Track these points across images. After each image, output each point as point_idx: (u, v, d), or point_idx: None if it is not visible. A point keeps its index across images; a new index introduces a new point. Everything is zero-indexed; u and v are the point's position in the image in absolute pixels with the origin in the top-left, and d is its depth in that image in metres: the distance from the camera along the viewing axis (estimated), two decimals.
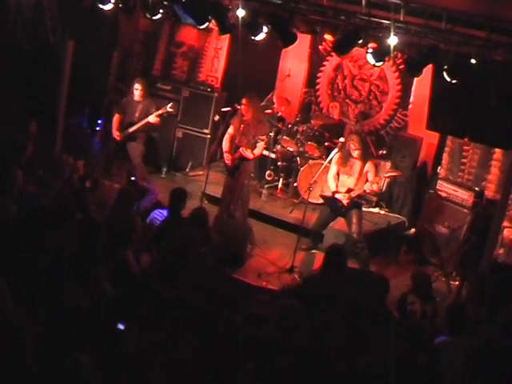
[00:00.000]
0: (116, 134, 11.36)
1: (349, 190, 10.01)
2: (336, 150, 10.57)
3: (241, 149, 10.36)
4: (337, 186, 10.14)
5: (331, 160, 10.52)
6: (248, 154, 10.38)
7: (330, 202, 10.22)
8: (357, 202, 10.11)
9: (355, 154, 10.00)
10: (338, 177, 10.21)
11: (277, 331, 5.84)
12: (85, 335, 5.47)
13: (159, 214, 8.70)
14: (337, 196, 10.09)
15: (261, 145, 10.41)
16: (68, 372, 4.66)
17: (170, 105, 11.20)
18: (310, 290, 7.49)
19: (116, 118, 11.44)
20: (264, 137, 10.43)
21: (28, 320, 5.21)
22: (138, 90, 11.24)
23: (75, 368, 4.65)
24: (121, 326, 5.16)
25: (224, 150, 10.64)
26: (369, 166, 10.04)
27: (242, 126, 10.42)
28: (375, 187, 9.99)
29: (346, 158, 10.13)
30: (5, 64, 11.58)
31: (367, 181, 9.93)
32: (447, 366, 6.14)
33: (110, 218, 8.21)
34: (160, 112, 11.14)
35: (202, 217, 8.42)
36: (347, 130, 12.52)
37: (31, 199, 8.17)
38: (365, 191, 10.05)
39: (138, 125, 11.22)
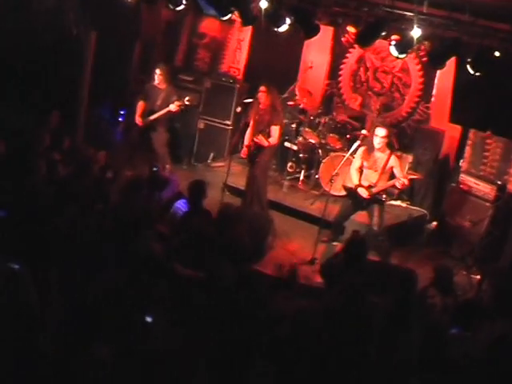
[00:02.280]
0: (138, 119, 11.48)
1: (370, 186, 9.96)
2: (358, 142, 10.53)
3: (255, 138, 10.38)
4: (359, 180, 10.11)
5: (353, 152, 10.47)
6: (262, 140, 10.36)
7: (352, 194, 10.20)
8: (378, 197, 10.06)
9: (379, 144, 9.94)
10: (362, 170, 10.17)
11: (291, 331, 5.80)
12: (108, 326, 5.49)
13: (182, 205, 8.69)
14: (358, 190, 10.05)
15: (275, 133, 10.37)
16: (86, 362, 4.68)
17: (186, 98, 11.27)
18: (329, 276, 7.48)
19: (140, 104, 11.55)
20: (277, 127, 10.36)
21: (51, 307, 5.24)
22: (157, 74, 11.37)
23: (94, 359, 4.67)
24: (148, 319, 5.13)
25: (245, 143, 10.66)
26: (394, 161, 9.92)
27: (257, 116, 10.43)
28: (406, 182, 9.88)
29: (369, 152, 10.07)
30: (28, 56, 11.63)
31: (390, 176, 9.88)
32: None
33: (117, 205, 8.16)
34: (179, 103, 11.20)
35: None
36: (368, 122, 12.46)
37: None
38: (395, 187, 10.00)
39: (160, 113, 11.31)
